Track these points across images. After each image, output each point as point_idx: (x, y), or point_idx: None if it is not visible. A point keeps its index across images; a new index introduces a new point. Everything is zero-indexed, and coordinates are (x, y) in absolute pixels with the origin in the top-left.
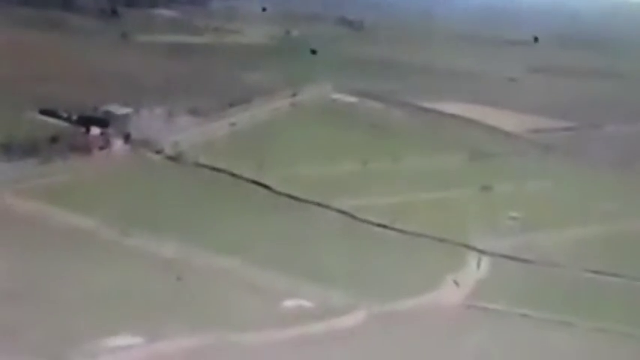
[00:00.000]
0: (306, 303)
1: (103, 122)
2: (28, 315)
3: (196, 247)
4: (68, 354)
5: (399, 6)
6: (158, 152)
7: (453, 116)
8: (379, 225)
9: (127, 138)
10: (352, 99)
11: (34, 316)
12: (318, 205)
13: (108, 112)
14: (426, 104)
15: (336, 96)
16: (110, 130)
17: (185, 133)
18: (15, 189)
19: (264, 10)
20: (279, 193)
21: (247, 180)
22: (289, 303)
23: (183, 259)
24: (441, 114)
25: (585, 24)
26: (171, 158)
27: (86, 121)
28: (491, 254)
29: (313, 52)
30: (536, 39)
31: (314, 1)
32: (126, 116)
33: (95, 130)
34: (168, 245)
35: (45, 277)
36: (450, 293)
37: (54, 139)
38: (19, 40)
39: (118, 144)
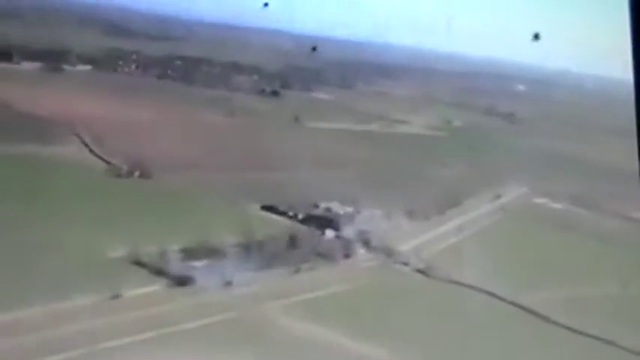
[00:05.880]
0: None
1: (332, 223)
2: None
3: None
4: None
5: (536, 94)
6: (405, 264)
7: None
8: None
9: (367, 244)
10: (558, 205)
11: None
12: (607, 342)
13: (330, 210)
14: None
15: (540, 200)
16: (345, 234)
17: (416, 239)
18: (279, 305)
19: (314, 49)
20: (555, 323)
21: (514, 304)
22: None
23: None
24: None
25: None
26: (420, 271)
27: (314, 222)
28: None
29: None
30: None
31: (445, 85)
32: (350, 216)
33: (330, 233)
34: None
35: None
36: None
37: (292, 242)
38: (198, 123)
39: (361, 252)
